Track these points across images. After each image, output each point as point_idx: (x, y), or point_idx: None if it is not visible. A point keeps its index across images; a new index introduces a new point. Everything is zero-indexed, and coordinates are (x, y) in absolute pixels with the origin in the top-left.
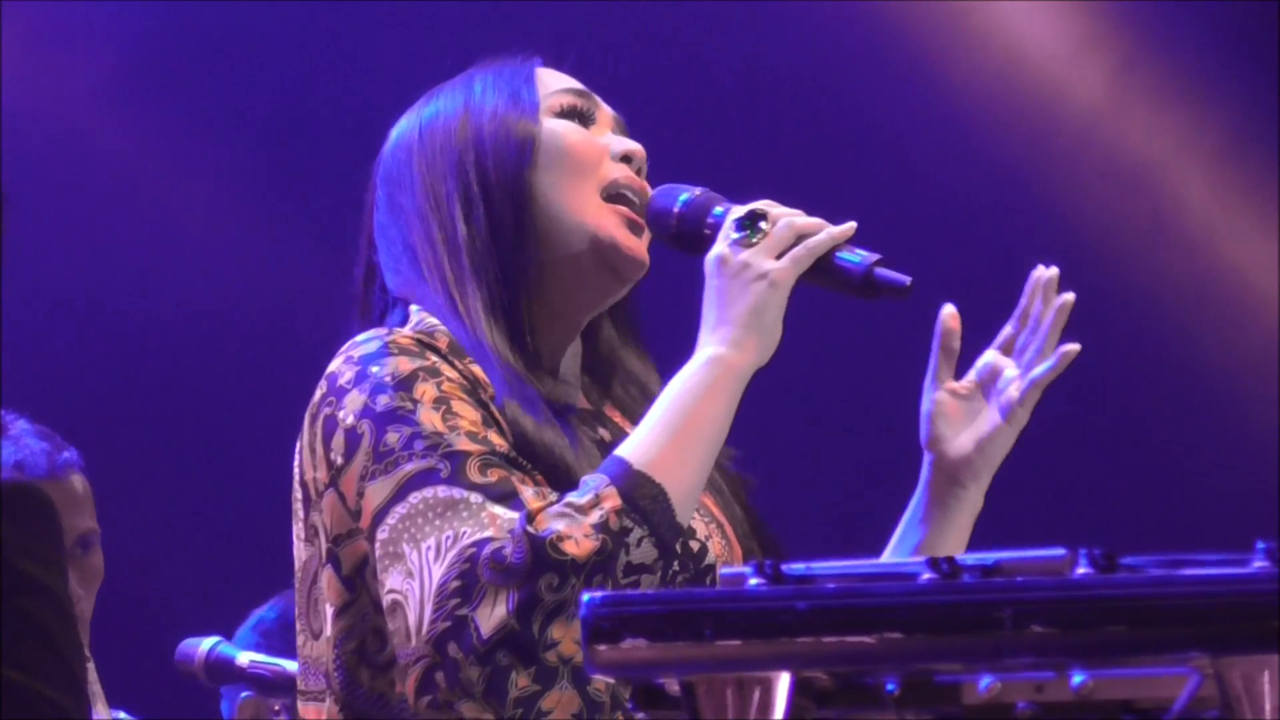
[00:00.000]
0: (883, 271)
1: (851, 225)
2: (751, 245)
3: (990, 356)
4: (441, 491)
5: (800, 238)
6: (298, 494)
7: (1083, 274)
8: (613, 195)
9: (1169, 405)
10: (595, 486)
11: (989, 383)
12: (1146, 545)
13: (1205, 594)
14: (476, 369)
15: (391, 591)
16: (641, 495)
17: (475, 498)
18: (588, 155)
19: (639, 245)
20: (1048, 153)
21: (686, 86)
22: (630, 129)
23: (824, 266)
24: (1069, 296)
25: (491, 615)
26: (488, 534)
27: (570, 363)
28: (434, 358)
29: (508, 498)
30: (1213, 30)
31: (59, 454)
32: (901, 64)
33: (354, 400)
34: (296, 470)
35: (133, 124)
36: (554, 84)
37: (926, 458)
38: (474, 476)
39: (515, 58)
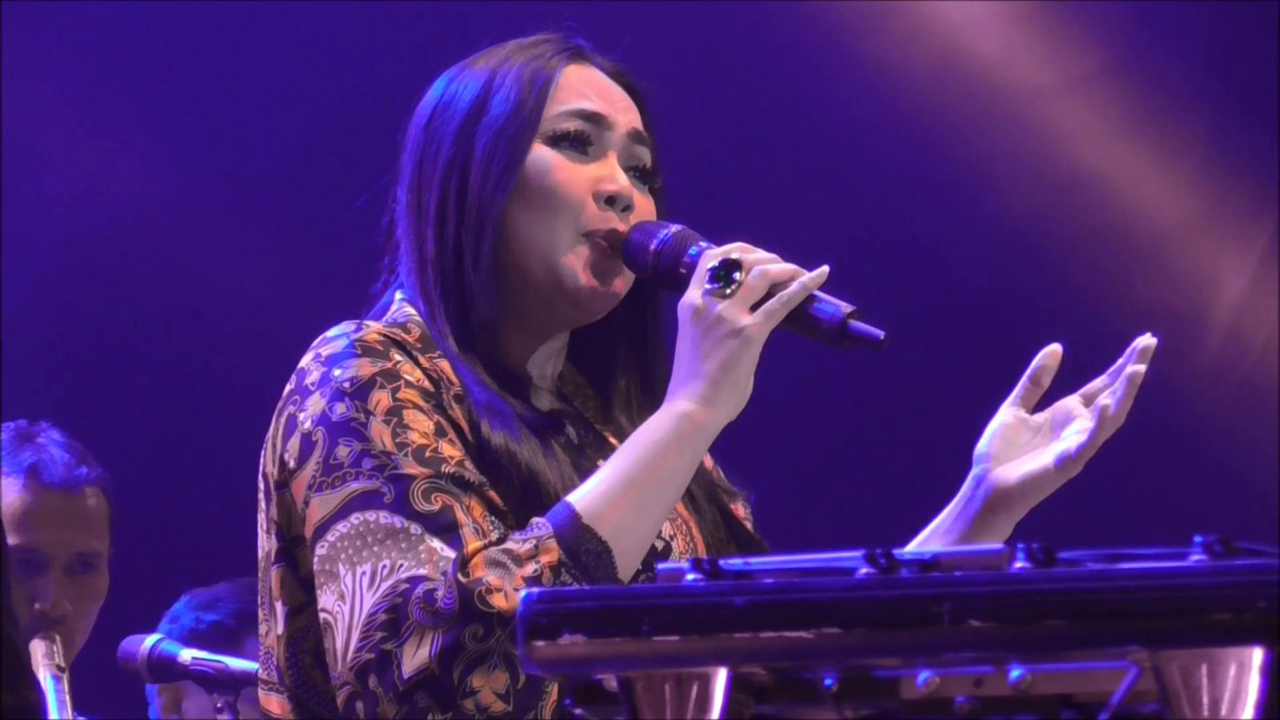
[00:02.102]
0: (857, 325)
1: (824, 271)
2: (725, 296)
3: (1071, 402)
4: (384, 518)
5: (774, 287)
6: (260, 484)
7: (1024, 275)
8: (585, 235)
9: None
10: (538, 534)
11: (1060, 425)
12: (1089, 541)
13: (1143, 588)
14: (444, 364)
15: (324, 610)
16: (584, 551)
17: (415, 528)
18: (567, 194)
19: (604, 284)
20: (990, 153)
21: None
22: (658, 126)
23: (798, 317)
24: (1140, 367)
25: (415, 656)
26: (423, 571)
27: (544, 367)
28: (398, 357)
29: (449, 531)
30: (1160, 31)
31: (79, 468)
32: (846, 62)
33: (314, 404)
34: (261, 460)
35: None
36: (567, 99)
37: (973, 470)
38: (417, 504)
39: (549, 48)
